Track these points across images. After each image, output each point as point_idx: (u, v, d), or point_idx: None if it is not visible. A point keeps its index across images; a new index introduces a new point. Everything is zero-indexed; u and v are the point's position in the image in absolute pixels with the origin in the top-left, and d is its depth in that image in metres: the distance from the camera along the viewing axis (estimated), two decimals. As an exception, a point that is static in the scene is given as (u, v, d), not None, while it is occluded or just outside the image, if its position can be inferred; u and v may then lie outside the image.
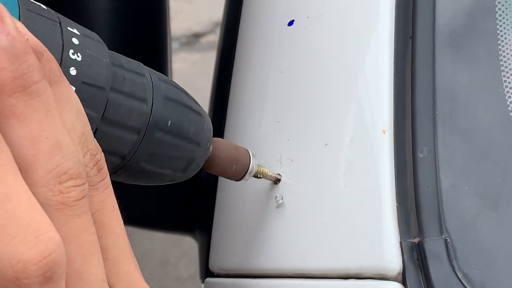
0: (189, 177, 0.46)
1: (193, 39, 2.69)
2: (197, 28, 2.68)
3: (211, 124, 0.46)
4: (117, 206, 0.35)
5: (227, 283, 0.55)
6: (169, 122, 0.43)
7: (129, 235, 0.37)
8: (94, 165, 0.33)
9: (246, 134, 0.56)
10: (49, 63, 0.32)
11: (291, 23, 0.55)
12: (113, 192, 0.35)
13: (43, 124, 0.30)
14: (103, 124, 0.40)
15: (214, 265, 0.58)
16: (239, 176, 0.49)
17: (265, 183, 0.53)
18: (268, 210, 0.53)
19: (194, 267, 2.07)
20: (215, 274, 0.58)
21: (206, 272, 0.61)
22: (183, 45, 2.60)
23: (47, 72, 0.32)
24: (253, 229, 0.54)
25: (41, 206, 0.30)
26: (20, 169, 0.30)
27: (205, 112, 0.46)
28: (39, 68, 0.30)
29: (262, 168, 0.50)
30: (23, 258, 0.29)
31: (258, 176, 0.50)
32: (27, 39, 0.31)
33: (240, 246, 0.54)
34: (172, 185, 0.66)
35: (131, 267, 0.35)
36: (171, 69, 0.81)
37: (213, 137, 0.47)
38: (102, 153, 0.34)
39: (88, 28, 0.40)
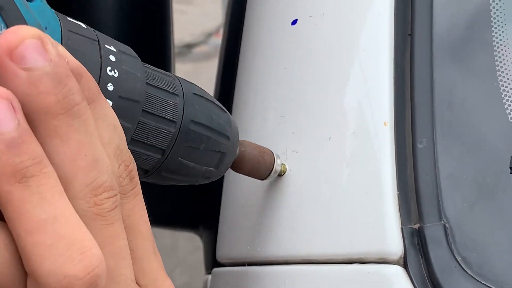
0: (222, 174, 0.49)
1: (185, 49, 2.71)
2: (189, 39, 2.71)
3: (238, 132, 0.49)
4: (145, 211, 0.38)
5: (234, 271, 0.57)
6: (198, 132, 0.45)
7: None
8: (127, 175, 0.37)
9: (252, 128, 0.58)
10: (88, 83, 0.35)
11: (294, 22, 0.58)
12: (142, 198, 0.38)
13: (82, 143, 0.34)
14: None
15: (221, 256, 0.60)
16: (265, 175, 0.52)
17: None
18: (273, 200, 0.55)
19: (188, 275, 2.08)
20: (222, 264, 0.60)
21: (213, 263, 0.63)
22: (175, 56, 2.62)
23: (86, 92, 0.34)
24: (259, 219, 0.56)
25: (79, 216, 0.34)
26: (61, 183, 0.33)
27: (234, 123, 0.49)
28: (79, 91, 0.33)
29: (286, 166, 0.53)
30: (69, 273, 0.32)
31: (283, 174, 0.53)
32: (67, 61, 0.33)
33: (247, 236, 0.57)
34: (178, 186, 0.68)
35: (155, 265, 0.38)
36: (174, 68, 0.83)
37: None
38: (135, 163, 0.37)
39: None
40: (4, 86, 0.32)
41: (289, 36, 0.57)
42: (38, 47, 0.32)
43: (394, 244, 0.49)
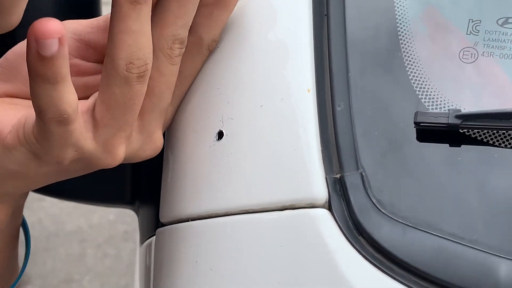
0: None
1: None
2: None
3: None
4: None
5: (179, 227, 0.64)
6: None
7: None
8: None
9: (193, 99, 0.66)
10: None
11: None
12: None
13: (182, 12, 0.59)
14: None
15: (165, 216, 0.67)
16: None
17: (209, 140, 0.63)
18: (213, 162, 0.63)
19: (98, 282, 2.10)
20: (166, 224, 0.67)
21: (155, 227, 0.70)
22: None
23: None
24: (201, 179, 0.63)
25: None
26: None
27: None
28: None
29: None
30: (134, 62, 0.55)
31: None
32: None
33: (189, 195, 0.64)
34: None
35: None
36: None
37: None
38: None
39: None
40: None
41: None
42: None
43: (320, 191, 0.58)
